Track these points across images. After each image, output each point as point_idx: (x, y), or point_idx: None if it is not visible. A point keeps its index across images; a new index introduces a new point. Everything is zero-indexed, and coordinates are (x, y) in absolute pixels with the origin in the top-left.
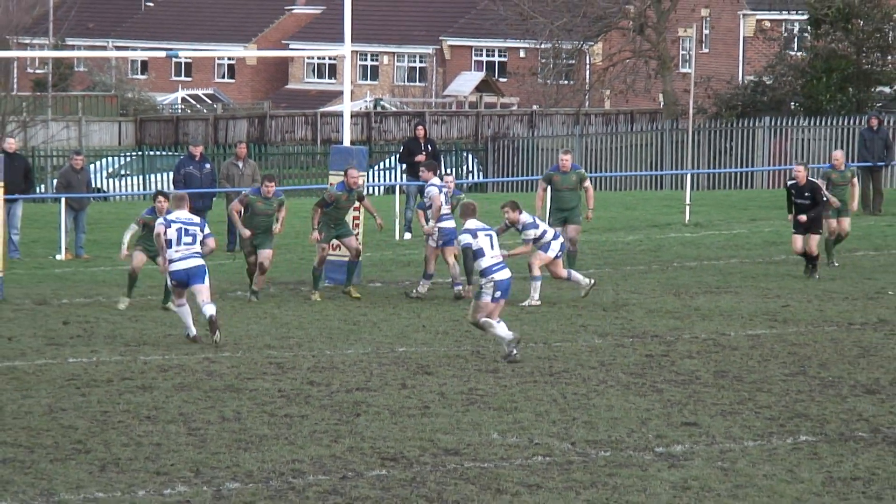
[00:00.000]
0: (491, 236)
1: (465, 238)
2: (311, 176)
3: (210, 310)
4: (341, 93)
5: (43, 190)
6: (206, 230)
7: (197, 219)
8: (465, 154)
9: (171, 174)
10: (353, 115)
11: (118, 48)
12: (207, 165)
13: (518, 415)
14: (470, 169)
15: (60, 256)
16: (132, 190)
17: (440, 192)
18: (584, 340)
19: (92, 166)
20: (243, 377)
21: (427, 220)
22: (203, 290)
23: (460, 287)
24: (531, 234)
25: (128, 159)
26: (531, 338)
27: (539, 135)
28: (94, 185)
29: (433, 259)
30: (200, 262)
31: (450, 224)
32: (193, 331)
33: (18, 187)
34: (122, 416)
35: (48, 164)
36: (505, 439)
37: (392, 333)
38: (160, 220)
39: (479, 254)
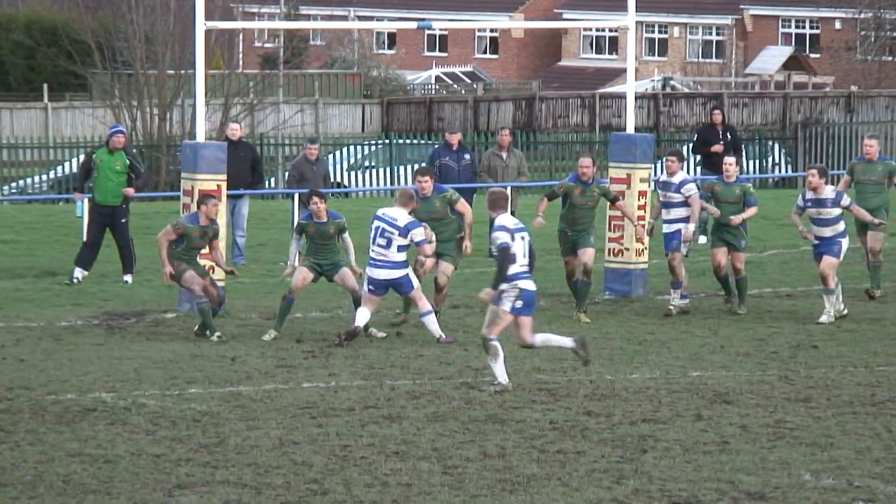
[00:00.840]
0: (525, 238)
1: (503, 237)
2: None
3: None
4: (623, 71)
5: (273, 184)
6: (419, 236)
7: (403, 220)
8: (770, 144)
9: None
10: (637, 97)
11: (361, 19)
12: (467, 156)
13: (834, 452)
14: (776, 161)
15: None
16: (377, 184)
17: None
18: None
19: (330, 157)
20: (508, 406)
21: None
22: (419, 297)
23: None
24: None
25: (372, 149)
26: (850, 360)
27: (858, 121)
28: (332, 179)
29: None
30: (402, 272)
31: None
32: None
33: (244, 181)
34: (364, 451)
35: (279, 154)
36: (819, 481)
37: (684, 355)
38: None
39: (511, 259)
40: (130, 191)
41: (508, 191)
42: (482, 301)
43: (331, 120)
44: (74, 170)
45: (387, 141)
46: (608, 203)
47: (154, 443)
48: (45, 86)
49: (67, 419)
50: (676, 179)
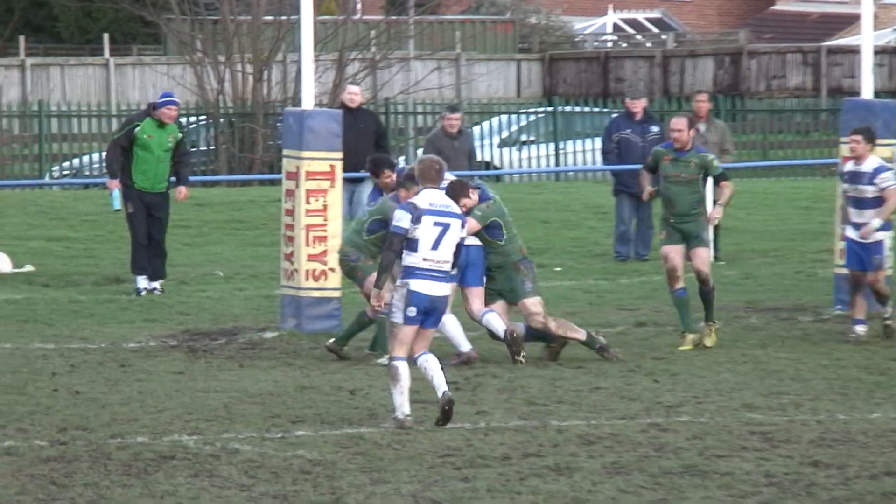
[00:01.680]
0: (448, 227)
1: (400, 217)
2: (811, 144)
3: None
4: (857, 18)
5: (403, 163)
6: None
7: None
8: None
9: (599, 141)
10: (876, 52)
11: None
12: (654, 128)
13: None
14: None
15: None
16: (538, 165)
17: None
18: None
19: (476, 129)
20: (710, 454)
21: None
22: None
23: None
24: None
25: (531, 118)
26: None
27: None
28: (478, 158)
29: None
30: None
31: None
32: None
33: (365, 160)
34: None
35: (409, 125)
36: None
37: None
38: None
39: (410, 246)
40: (183, 192)
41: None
42: (372, 310)
43: (477, 81)
44: None
45: (550, 109)
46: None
47: (250, 501)
48: (106, 36)
49: (137, 469)
50: (867, 167)
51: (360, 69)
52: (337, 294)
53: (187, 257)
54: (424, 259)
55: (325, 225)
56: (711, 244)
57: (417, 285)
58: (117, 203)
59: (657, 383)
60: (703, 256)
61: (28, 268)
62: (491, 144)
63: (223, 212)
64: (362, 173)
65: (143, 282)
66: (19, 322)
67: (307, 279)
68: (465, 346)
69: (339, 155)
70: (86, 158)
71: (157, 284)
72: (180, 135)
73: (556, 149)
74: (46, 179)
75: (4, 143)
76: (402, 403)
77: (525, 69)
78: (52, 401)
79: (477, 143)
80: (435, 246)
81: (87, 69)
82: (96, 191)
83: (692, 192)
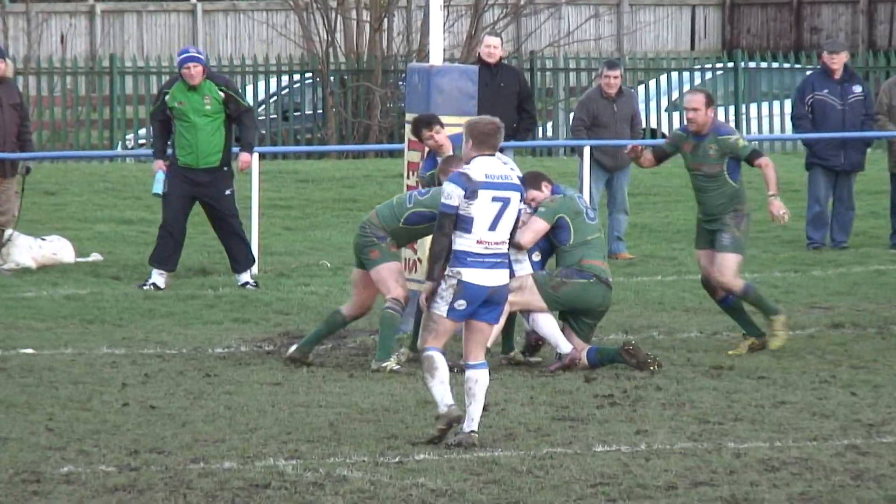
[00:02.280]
0: (508, 203)
1: (451, 192)
2: None
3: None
4: None
5: (549, 132)
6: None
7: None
8: None
9: (789, 103)
10: None
11: None
12: (857, 88)
13: None
14: None
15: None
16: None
17: None
18: None
19: (640, 89)
20: None
21: None
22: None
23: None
24: None
25: (707, 76)
26: None
27: None
28: (643, 125)
29: None
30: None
31: None
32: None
33: (507, 125)
34: None
35: (559, 85)
36: None
37: None
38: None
39: (463, 228)
40: (247, 159)
41: None
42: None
43: (642, 31)
44: None
45: (730, 64)
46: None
47: None
48: None
49: (223, 501)
50: None
51: (501, 17)
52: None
53: (287, 244)
54: (479, 242)
55: None
56: (741, 246)
57: (471, 275)
58: (158, 186)
59: (855, 397)
60: (723, 262)
61: (95, 256)
62: (658, 108)
63: (332, 189)
64: (503, 143)
65: (157, 276)
66: (83, 322)
67: None
68: (564, 346)
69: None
70: None
71: (246, 277)
72: (221, 94)
73: (737, 113)
74: (119, 150)
75: (69, 107)
76: (444, 394)
77: (701, 17)
78: (122, 418)
79: (641, 106)
80: (493, 226)
81: (170, 16)
82: None
83: (718, 187)
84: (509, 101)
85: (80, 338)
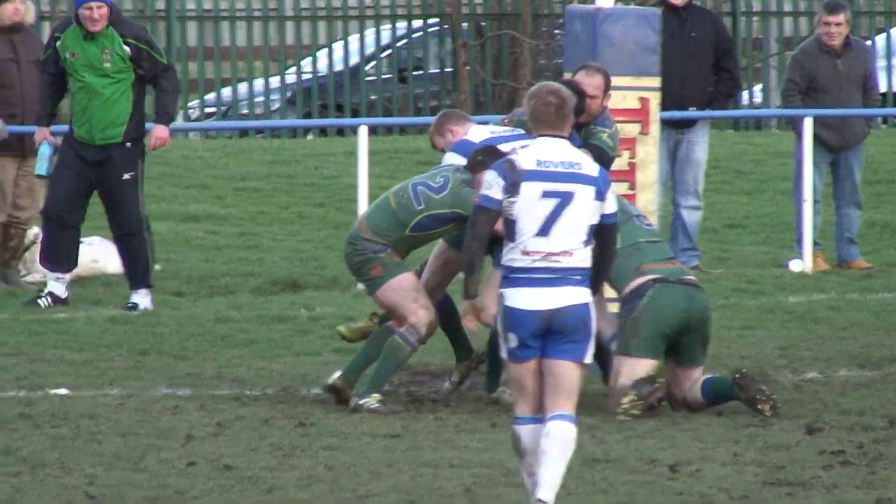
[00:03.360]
0: (567, 199)
1: (490, 183)
2: None
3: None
4: None
5: (757, 100)
6: (612, 204)
7: (592, 167)
8: None
9: None
10: None
11: None
12: None
13: None
14: None
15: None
16: None
17: None
18: None
19: (878, 40)
20: None
21: None
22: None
23: None
24: None
25: None
26: None
27: None
28: (878, 87)
29: None
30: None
31: None
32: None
33: (700, 91)
34: None
35: (769, 34)
36: None
37: None
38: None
39: (510, 234)
40: (162, 134)
41: None
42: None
43: None
44: (338, 67)
45: None
46: None
47: None
48: None
49: None
50: None
51: None
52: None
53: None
54: (525, 253)
55: (632, 195)
56: None
57: (515, 297)
58: (42, 165)
59: None
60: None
61: None
62: None
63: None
64: (695, 112)
65: (55, 284)
66: (134, 353)
67: None
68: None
69: (657, 81)
70: (242, 88)
71: (140, 300)
72: (127, 48)
73: None
74: (179, 122)
75: None
76: (533, 488)
77: None
78: (187, 481)
79: (879, 64)
80: (544, 230)
81: None
82: (260, 140)
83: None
84: (703, 57)
85: (129, 374)
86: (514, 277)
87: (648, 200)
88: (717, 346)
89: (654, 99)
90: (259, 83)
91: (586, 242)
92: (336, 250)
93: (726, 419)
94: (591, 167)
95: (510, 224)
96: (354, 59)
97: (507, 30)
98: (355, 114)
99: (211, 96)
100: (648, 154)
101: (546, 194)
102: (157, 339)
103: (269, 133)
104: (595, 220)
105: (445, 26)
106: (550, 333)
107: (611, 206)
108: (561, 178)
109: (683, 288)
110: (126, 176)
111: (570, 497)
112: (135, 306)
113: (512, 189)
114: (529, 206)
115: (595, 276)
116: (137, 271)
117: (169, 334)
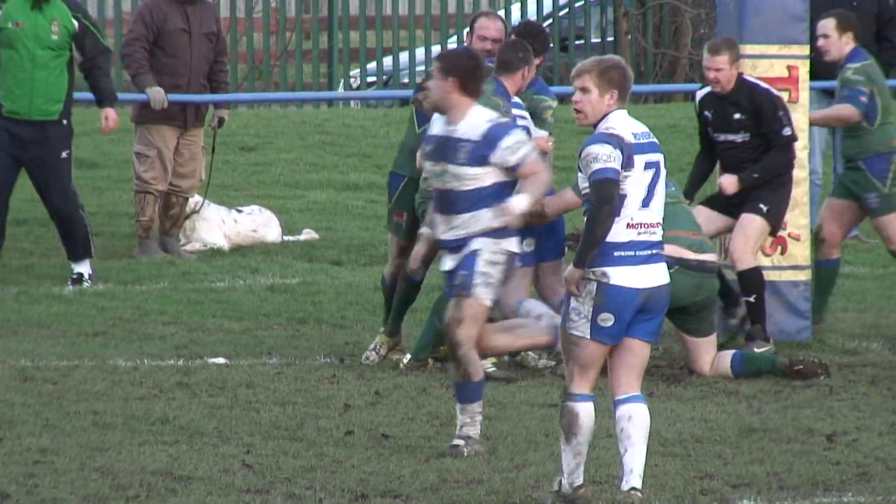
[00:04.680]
0: (658, 168)
1: (604, 155)
2: None
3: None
4: None
5: None
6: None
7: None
8: None
9: None
10: None
11: None
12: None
13: None
14: None
15: None
16: None
17: None
18: None
19: None
20: None
21: None
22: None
23: None
24: None
25: None
26: None
27: None
28: None
29: None
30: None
31: None
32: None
33: None
34: None
35: None
36: None
37: None
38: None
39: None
40: (115, 116)
41: None
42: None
43: None
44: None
45: None
46: None
47: None
48: None
49: None
50: None
51: None
52: (804, 276)
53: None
54: (630, 226)
55: None
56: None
57: (620, 275)
58: None
59: None
60: None
61: (308, 234)
62: None
63: None
64: None
65: None
66: (293, 322)
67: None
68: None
69: (805, 50)
70: (403, 57)
71: (83, 268)
72: (76, 22)
73: None
74: (340, 91)
75: (272, 32)
76: (575, 469)
77: None
78: (344, 451)
79: None
80: (646, 202)
81: None
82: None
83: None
84: (865, 27)
85: (288, 343)
86: (616, 255)
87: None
88: (876, 315)
89: (804, 67)
90: (420, 52)
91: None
92: None
93: (882, 388)
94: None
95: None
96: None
97: None
98: None
99: (372, 65)
100: (799, 121)
101: (647, 165)
102: (316, 307)
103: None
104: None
105: None
106: (640, 311)
107: None
108: (652, 149)
109: (698, 276)
110: (64, 154)
111: (727, 467)
112: (80, 276)
113: (628, 162)
114: (637, 178)
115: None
116: (79, 244)
117: (327, 303)
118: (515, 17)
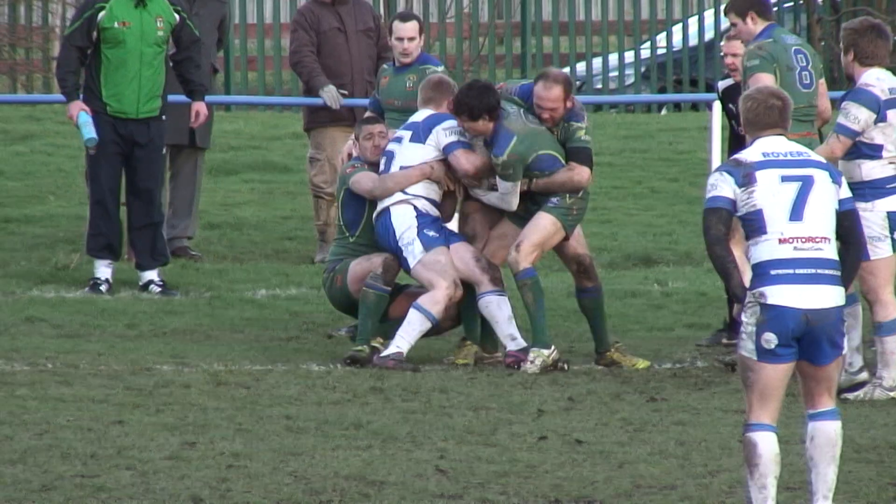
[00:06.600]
0: (810, 182)
1: (717, 182)
2: None
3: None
4: None
5: None
6: (846, 189)
7: (816, 155)
8: None
9: None
10: None
11: None
12: None
13: None
14: None
15: None
16: None
17: None
18: None
19: None
20: None
21: None
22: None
23: None
24: None
25: None
26: None
27: None
28: None
29: None
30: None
31: None
32: None
33: None
34: None
35: None
36: None
37: None
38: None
39: (755, 229)
40: (206, 110)
41: None
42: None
43: None
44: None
45: None
46: None
47: None
48: None
49: None
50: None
51: None
52: None
53: None
54: (783, 241)
55: None
56: None
57: (779, 294)
58: (88, 130)
59: None
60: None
61: None
62: None
63: None
64: None
65: (103, 269)
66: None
67: None
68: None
69: None
70: (597, 63)
71: (153, 275)
72: (176, 16)
73: None
74: None
75: (464, 38)
76: (763, 502)
77: None
78: (538, 455)
79: None
80: (796, 214)
81: None
82: (614, 114)
83: None
84: None
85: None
86: (774, 274)
87: None
88: None
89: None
90: (613, 58)
91: (834, 232)
92: (690, 224)
93: None
94: (815, 154)
95: (755, 217)
96: (709, 34)
97: (862, 5)
98: (709, 89)
99: (565, 70)
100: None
101: (785, 178)
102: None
103: (622, 108)
104: (836, 205)
105: (800, 1)
106: (808, 335)
107: (846, 190)
108: (794, 164)
109: None
110: (163, 151)
111: None
112: (150, 283)
113: (746, 180)
114: (771, 190)
115: (846, 274)
116: (157, 253)
117: (519, 308)
118: (709, 21)
